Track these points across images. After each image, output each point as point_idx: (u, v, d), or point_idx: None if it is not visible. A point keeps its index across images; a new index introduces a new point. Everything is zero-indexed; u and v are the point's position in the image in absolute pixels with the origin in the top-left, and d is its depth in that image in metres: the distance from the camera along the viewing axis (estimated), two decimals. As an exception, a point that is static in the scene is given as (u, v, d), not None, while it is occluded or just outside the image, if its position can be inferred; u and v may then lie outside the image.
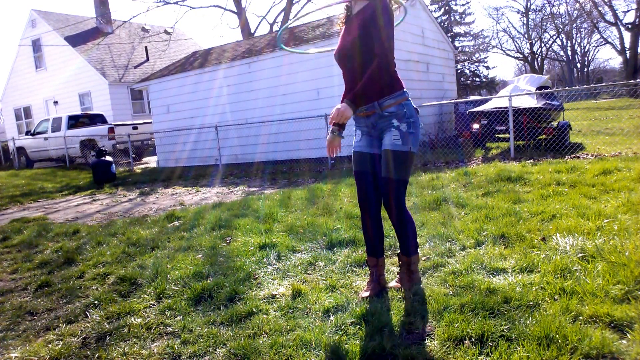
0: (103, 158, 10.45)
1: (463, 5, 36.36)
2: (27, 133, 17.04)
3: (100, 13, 22.09)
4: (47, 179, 12.08)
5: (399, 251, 2.71)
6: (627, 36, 32.06)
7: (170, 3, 19.70)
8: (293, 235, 4.05)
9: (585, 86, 8.93)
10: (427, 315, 2.34)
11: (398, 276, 2.75)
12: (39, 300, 3.21)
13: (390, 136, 2.48)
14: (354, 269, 3.11)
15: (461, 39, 36.76)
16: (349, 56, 2.55)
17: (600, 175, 5.15)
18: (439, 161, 8.04)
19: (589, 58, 53.99)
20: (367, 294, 2.62)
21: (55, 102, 21.21)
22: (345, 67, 2.60)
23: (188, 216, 5.37)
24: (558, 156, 7.13)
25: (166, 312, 2.74)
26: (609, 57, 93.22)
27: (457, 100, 11.92)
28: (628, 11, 48.45)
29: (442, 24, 34.35)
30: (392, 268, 3.05)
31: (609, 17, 33.31)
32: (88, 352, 2.37)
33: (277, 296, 2.80)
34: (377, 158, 2.60)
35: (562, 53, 51.32)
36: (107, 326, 2.62)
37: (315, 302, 2.62)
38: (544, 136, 8.40)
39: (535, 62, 42.72)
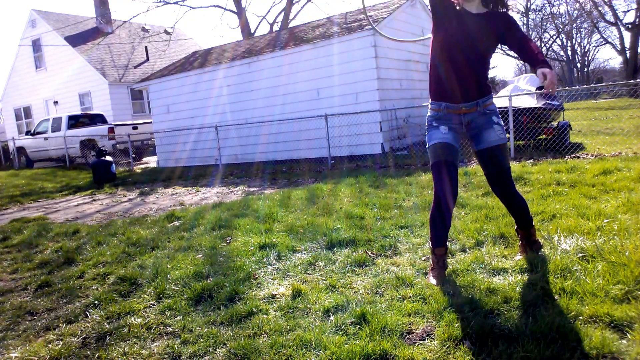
0: (103, 158, 10.45)
1: (463, 5, 36.28)
2: (27, 133, 17.04)
3: (100, 13, 22.09)
4: (47, 179, 12.07)
5: (516, 227, 3.01)
6: (627, 36, 32.03)
7: (170, 3, 19.70)
8: (293, 235, 4.04)
9: (585, 86, 8.93)
10: (427, 314, 2.34)
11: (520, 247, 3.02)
12: (39, 300, 3.21)
13: (495, 132, 2.73)
14: (354, 269, 3.11)
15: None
16: (471, 47, 2.63)
17: (600, 175, 5.15)
18: (439, 161, 8.03)
19: (589, 58, 54.04)
20: (435, 281, 2.70)
21: (55, 102, 21.21)
22: (458, 57, 2.65)
23: (188, 216, 5.37)
24: (558, 156, 7.13)
25: (166, 312, 2.74)
26: (609, 57, 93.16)
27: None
28: (628, 11, 48.58)
29: (442, 24, 34.25)
30: (391, 268, 3.05)
31: (609, 17, 33.31)
32: (88, 352, 2.37)
33: (277, 296, 2.80)
34: (456, 152, 2.81)
35: (562, 53, 51.36)
36: (107, 326, 2.62)
37: (315, 302, 2.62)
38: (544, 136, 8.39)
39: (536, 62, 42.65)
